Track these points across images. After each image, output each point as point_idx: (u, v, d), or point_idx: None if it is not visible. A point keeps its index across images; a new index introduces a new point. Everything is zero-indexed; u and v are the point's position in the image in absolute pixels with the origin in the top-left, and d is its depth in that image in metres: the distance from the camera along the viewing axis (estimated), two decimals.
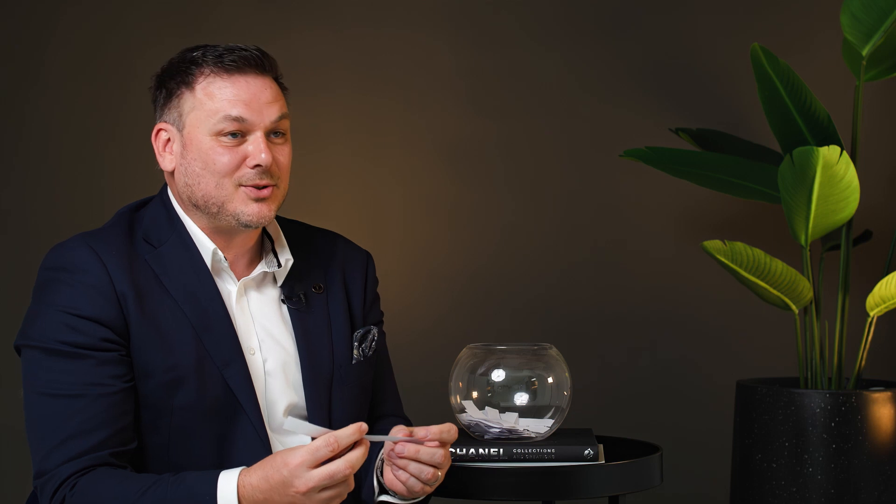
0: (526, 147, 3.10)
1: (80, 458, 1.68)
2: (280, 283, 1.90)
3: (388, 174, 3.07)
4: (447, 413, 2.15)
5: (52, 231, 3.04)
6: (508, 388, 2.09)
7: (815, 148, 2.36)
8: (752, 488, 2.57)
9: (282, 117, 1.82)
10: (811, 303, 2.60)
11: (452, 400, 2.11)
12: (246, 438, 1.77)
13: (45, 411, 1.72)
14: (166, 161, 1.83)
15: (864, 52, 2.52)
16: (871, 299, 2.53)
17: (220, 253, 1.83)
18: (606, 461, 2.03)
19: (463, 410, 2.09)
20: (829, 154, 2.36)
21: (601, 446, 2.07)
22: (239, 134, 1.78)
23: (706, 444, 2.99)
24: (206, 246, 1.83)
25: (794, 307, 2.57)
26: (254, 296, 1.88)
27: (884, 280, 2.50)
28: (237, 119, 1.77)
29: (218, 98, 1.77)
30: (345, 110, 3.06)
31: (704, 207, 3.08)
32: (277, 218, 1.96)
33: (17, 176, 3.04)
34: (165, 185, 1.90)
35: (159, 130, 1.83)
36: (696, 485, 2.99)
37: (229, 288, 1.85)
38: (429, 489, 1.77)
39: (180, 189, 1.83)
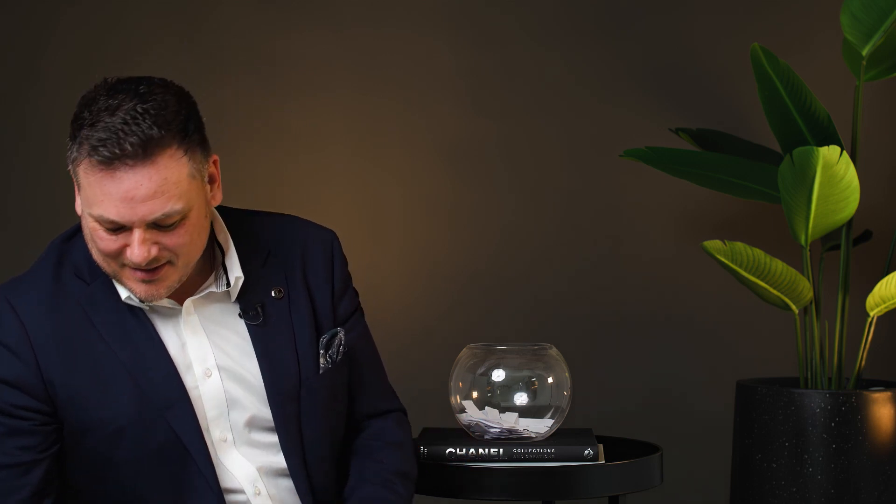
0: (526, 147, 3.10)
1: None
2: (233, 299, 1.78)
3: (388, 174, 3.07)
4: (447, 413, 2.15)
5: (53, 231, 3.04)
6: (508, 388, 2.09)
7: (815, 148, 2.36)
8: (752, 488, 2.57)
9: (165, 215, 1.62)
10: (811, 303, 2.60)
11: (452, 400, 2.11)
12: (194, 483, 1.71)
13: None
14: (76, 204, 1.70)
15: (864, 52, 2.52)
16: (871, 299, 2.53)
17: (133, 298, 1.71)
18: (606, 461, 2.03)
19: (463, 410, 2.10)
20: (829, 154, 2.36)
21: (601, 446, 2.07)
22: (118, 227, 1.63)
23: (706, 444, 2.99)
24: (123, 292, 1.72)
25: (794, 307, 2.57)
26: (206, 312, 1.77)
27: (884, 280, 2.50)
28: (109, 221, 1.62)
29: (94, 190, 1.62)
30: (345, 110, 3.06)
31: (704, 207, 3.08)
32: (226, 211, 1.84)
33: (17, 176, 3.04)
34: None
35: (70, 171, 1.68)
36: (696, 485, 2.99)
37: (174, 312, 1.75)
38: None
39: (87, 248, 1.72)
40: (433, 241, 3.08)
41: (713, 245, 2.44)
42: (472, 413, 2.08)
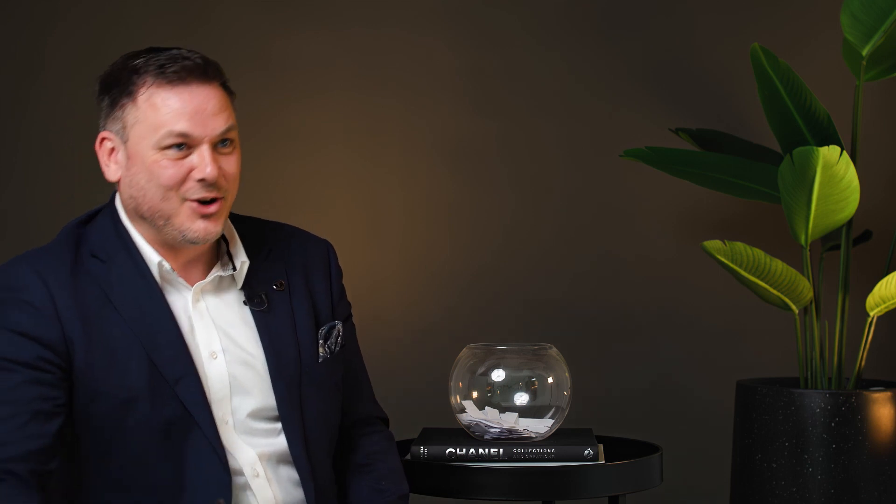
0: (526, 147, 3.10)
1: None
2: (240, 285, 1.86)
3: (388, 174, 3.07)
4: (447, 413, 2.16)
5: (53, 231, 3.04)
6: (508, 388, 2.09)
7: (815, 148, 2.36)
8: (752, 488, 2.57)
9: (229, 128, 1.77)
10: (811, 303, 2.60)
11: (452, 400, 2.11)
12: (200, 456, 1.74)
13: None
14: (111, 171, 1.78)
15: (864, 52, 2.52)
16: (871, 299, 2.53)
17: (165, 264, 1.79)
18: (606, 461, 2.03)
19: (463, 410, 2.10)
20: (829, 154, 2.36)
21: (601, 446, 2.07)
22: (184, 146, 1.73)
23: (706, 444, 2.99)
24: (151, 259, 1.79)
25: (794, 307, 2.57)
26: (212, 300, 1.83)
27: (884, 280, 2.50)
28: (181, 134, 1.72)
29: (161, 111, 1.71)
30: (345, 110, 3.06)
31: (704, 207, 3.08)
32: (230, 216, 1.91)
33: (17, 176, 3.04)
34: (115, 194, 1.86)
35: (103, 139, 1.78)
36: (696, 485, 2.99)
37: (185, 296, 1.81)
38: None
39: (125, 200, 1.80)
40: (433, 241, 3.08)
41: (713, 245, 2.44)
42: (472, 413, 2.09)
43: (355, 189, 3.06)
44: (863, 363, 2.62)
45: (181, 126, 1.71)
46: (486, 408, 2.08)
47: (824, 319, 2.72)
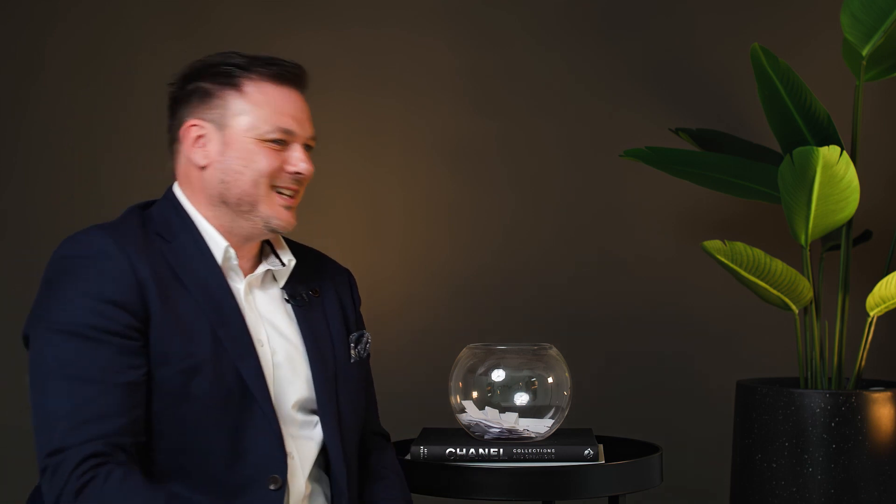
0: (526, 147, 3.10)
1: (97, 441, 1.68)
2: (282, 284, 1.94)
3: (388, 174, 3.07)
4: (447, 413, 2.16)
5: (52, 231, 3.04)
6: (508, 388, 2.09)
7: (815, 148, 2.36)
8: (752, 488, 2.57)
9: (314, 136, 1.92)
10: (811, 303, 2.60)
11: (452, 400, 2.11)
12: (258, 429, 1.79)
13: (60, 394, 1.71)
14: (198, 156, 1.86)
15: (864, 52, 2.52)
16: (871, 299, 2.53)
17: (231, 250, 1.86)
18: (606, 461, 2.03)
19: (463, 410, 2.10)
20: (829, 154, 2.36)
21: (601, 446, 2.07)
22: (283, 142, 1.86)
23: (706, 444, 2.99)
24: (218, 243, 1.86)
25: (794, 307, 2.58)
26: (258, 293, 1.91)
27: (884, 280, 2.50)
28: (286, 131, 1.85)
29: (269, 107, 1.84)
30: (345, 110, 3.06)
31: (704, 207, 3.08)
32: None
33: (17, 176, 3.04)
34: (171, 188, 1.92)
35: (192, 125, 1.85)
36: (696, 485, 2.99)
37: (237, 285, 1.88)
38: None
39: (211, 186, 1.86)
40: (433, 241, 3.08)
41: (713, 245, 2.45)
42: (472, 413, 2.09)
43: (355, 189, 3.06)
44: (863, 363, 2.62)
45: (286, 123, 1.85)
46: (486, 408, 2.08)
47: (824, 319, 2.72)
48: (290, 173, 1.86)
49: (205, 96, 1.85)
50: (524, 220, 3.09)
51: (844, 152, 2.39)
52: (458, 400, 2.10)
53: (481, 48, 3.09)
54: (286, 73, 1.86)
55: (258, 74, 1.84)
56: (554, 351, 2.12)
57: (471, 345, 2.14)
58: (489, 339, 2.30)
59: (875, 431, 2.49)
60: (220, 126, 1.84)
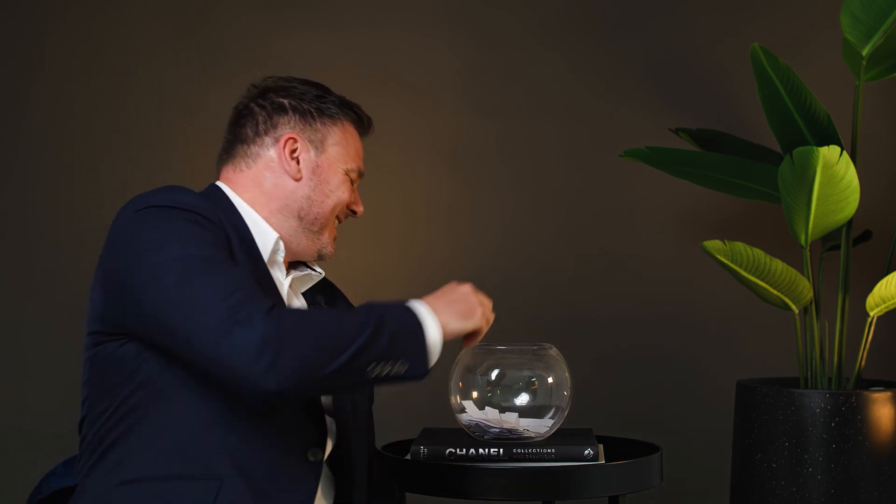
0: (526, 147, 3.10)
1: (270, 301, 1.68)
2: (303, 289, 2.01)
3: (388, 174, 3.07)
4: (447, 413, 2.15)
5: (52, 231, 3.05)
6: (508, 388, 2.09)
7: (815, 148, 2.36)
8: (752, 488, 2.57)
9: None
10: (811, 303, 2.60)
11: (452, 400, 2.11)
12: (303, 405, 1.82)
13: (215, 278, 1.65)
14: (292, 168, 1.93)
15: (864, 52, 2.52)
16: (871, 299, 2.53)
17: (281, 242, 1.91)
18: (606, 461, 2.03)
19: (463, 410, 2.10)
20: (829, 154, 2.36)
21: (601, 446, 2.07)
22: (354, 182, 2.01)
23: (706, 444, 2.99)
24: (268, 234, 1.89)
25: (794, 307, 2.57)
26: (289, 294, 1.97)
27: (884, 280, 2.50)
28: (362, 173, 2.02)
29: (353, 148, 2.00)
30: None
31: (704, 207, 3.08)
32: None
33: (17, 176, 3.04)
34: (215, 185, 1.93)
35: (291, 139, 1.93)
36: (696, 485, 2.99)
37: (278, 276, 1.91)
38: None
39: (295, 199, 1.92)
40: (433, 241, 3.08)
41: (713, 245, 2.44)
42: (472, 413, 2.08)
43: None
44: (863, 363, 2.62)
45: (362, 167, 2.02)
46: (486, 408, 2.08)
47: (824, 319, 2.72)
48: (351, 210, 2.00)
49: (307, 116, 1.94)
50: (524, 220, 3.09)
51: (844, 152, 2.39)
52: (458, 400, 2.10)
53: (481, 48, 3.09)
54: (367, 125, 2.03)
55: (349, 118, 1.99)
56: (554, 351, 2.12)
57: (471, 345, 2.14)
58: (489, 339, 2.30)
59: (875, 431, 2.49)
60: (318, 149, 1.94)
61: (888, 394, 2.52)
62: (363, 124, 2.03)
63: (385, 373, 1.69)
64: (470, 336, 1.88)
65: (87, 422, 1.78)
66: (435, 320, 1.76)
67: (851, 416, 2.48)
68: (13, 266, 3.02)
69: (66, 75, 3.04)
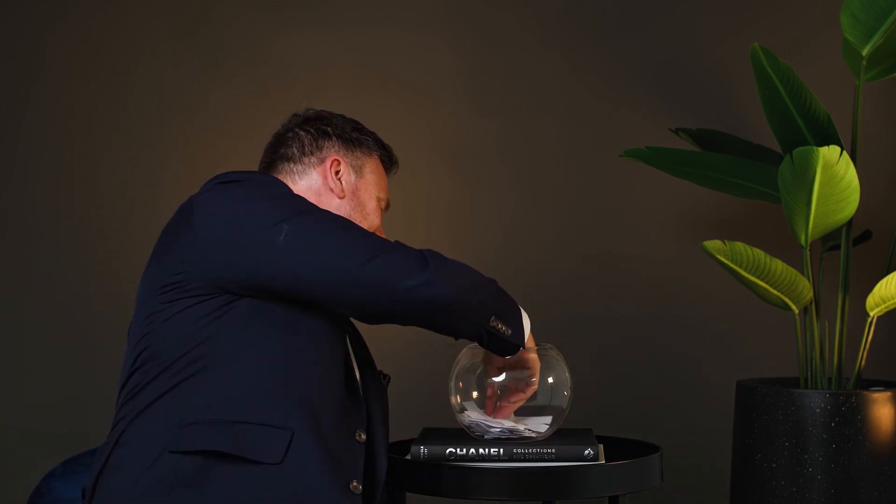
0: (526, 147, 3.10)
1: None
2: None
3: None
4: (447, 413, 2.15)
5: (52, 231, 3.05)
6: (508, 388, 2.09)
7: (815, 148, 2.36)
8: (752, 488, 2.57)
9: None
10: (811, 303, 2.60)
11: (452, 400, 2.11)
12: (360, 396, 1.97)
13: (353, 230, 1.84)
14: (337, 187, 2.06)
15: (864, 52, 2.52)
16: (871, 299, 2.53)
17: None
18: (606, 461, 2.03)
19: (463, 410, 2.09)
20: (829, 154, 2.36)
21: (601, 446, 2.07)
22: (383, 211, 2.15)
23: (706, 444, 2.99)
24: None
25: (794, 307, 2.57)
26: None
27: (884, 280, 2.50)
28: (388, 205, 2.15)
29: (383, 181, 2.13)
30: (345, 110, 3.05)
31: (704, 207, 3.08)
32: None
33: (17, 176, 3.04)
34: None
35: (337, 160, 2.07)
36: (696, 485, 2.99)
37: None
38: None
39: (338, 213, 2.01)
40: (433, 241, 3.08)
41: (713, 245, 2.44)
42: (472, 413, 2.08)
43: None
44: (863, 363, 2.62)
45: (388, 200, 2.15)
46: None
47: (824, 319, 2.72)
48: None
49: (350, 143, 2.09)
50: (524, 220, 3.09)
51: (844, 152, 2.39)
52: (458, 400, 2.10)
53: (481, 48, 3.09)
54: (391, 166, 2.16)
55: (378, 153, 2.12)
56: (554, 351, 2.11)
57: (471, 345, 2.14)
58: None
59: (875, 431, 2.49)
60: (358, 174, 2.08)
61: (888, 394, 2.52)
62: (391, 161, 2.16)
63: (498, 328, 1.90)
64: (515, 388, 2.04)
65: (142, 371, 1.82)
66: (525, 313, 1.97)
67: (851, 416, 2.48)
68: (13, 266, 3.02)
69: (66, 75, 3.04)
